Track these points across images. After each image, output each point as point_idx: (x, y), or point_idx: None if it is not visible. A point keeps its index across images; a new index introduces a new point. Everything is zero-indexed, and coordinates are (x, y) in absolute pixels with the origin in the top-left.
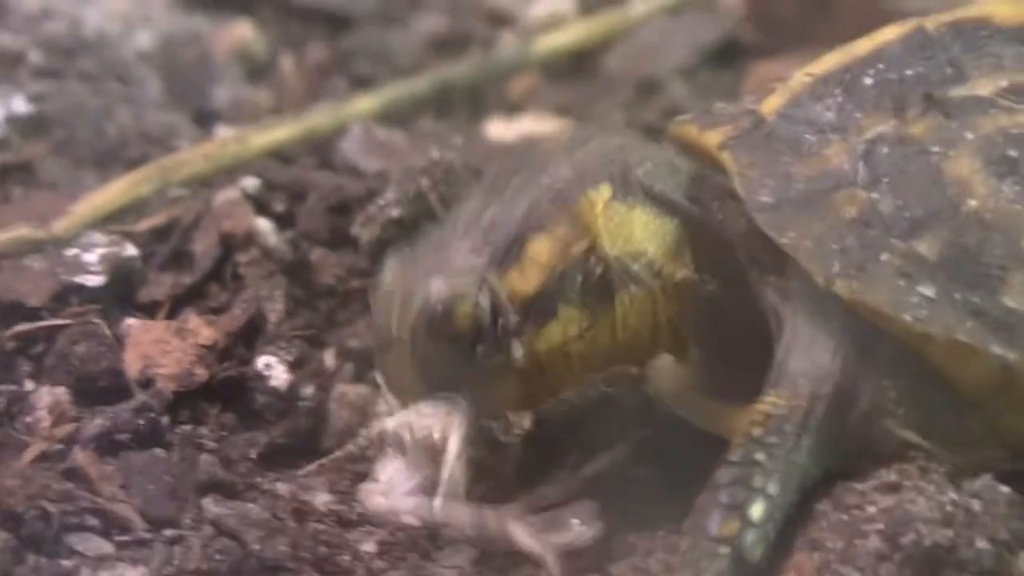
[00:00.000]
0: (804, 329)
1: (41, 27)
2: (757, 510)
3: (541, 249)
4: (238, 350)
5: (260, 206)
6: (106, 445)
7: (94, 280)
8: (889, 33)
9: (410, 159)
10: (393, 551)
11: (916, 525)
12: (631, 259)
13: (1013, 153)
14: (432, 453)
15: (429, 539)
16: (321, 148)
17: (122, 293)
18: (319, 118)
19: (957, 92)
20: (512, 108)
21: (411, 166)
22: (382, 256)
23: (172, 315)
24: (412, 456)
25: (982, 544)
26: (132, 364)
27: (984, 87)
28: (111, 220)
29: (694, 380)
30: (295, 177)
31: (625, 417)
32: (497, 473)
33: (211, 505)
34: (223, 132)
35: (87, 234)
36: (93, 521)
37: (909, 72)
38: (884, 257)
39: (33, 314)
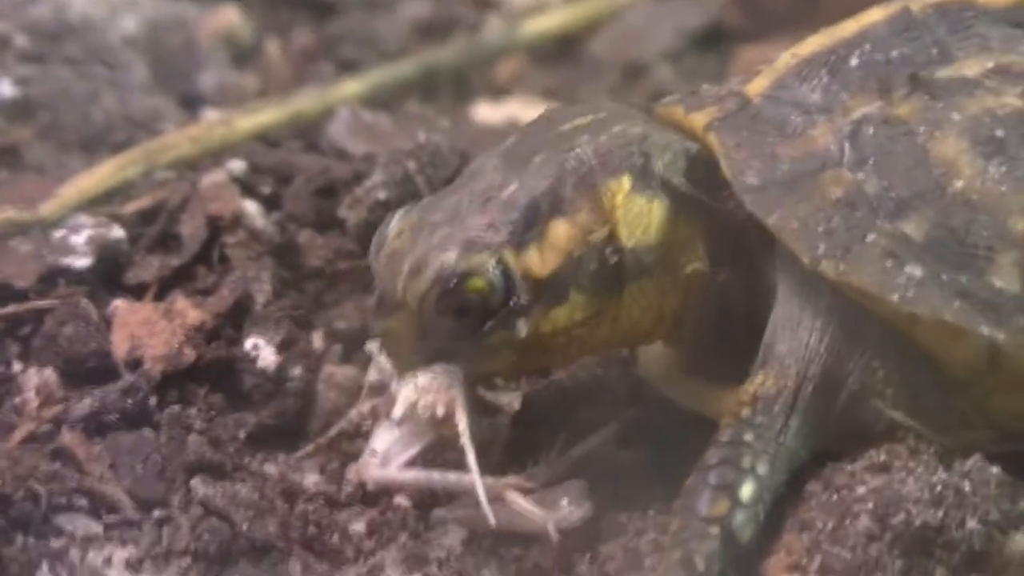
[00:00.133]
0: (791, 310)
1: (26, 11)
2: (747, 490)
3: (561, 233)
4: (226, 331)
5: (247, 189)
6: (94, 426)
7: (81, 262)
8: (875, 14)
9: (397, 142)
10: (383, 531)
11: (906, 505)
12: (646, 251)
13: (999, 134)
14: (433, 423)
15: (419, 519)
16: (307, 131)
17: (109, 275)
18: (305, 101)
19: (943, 73)
20: (498, 92)
21: (398, 149)
22: (369, 238)
23: (159, 297)
24: (412, 426)
25: (972, 524)
26: (120, 345)
27: (970, 68)
28: (98, 203)
29: (683, 362)
30: (282, 160)
31: (614, 398)
32: (487, 453)
33: (199, 486)
34: (209, 116)
35: (74, 216)
36: (81, 502)
37: (895, 53)
38: (870, 238)
39: (20, 296)
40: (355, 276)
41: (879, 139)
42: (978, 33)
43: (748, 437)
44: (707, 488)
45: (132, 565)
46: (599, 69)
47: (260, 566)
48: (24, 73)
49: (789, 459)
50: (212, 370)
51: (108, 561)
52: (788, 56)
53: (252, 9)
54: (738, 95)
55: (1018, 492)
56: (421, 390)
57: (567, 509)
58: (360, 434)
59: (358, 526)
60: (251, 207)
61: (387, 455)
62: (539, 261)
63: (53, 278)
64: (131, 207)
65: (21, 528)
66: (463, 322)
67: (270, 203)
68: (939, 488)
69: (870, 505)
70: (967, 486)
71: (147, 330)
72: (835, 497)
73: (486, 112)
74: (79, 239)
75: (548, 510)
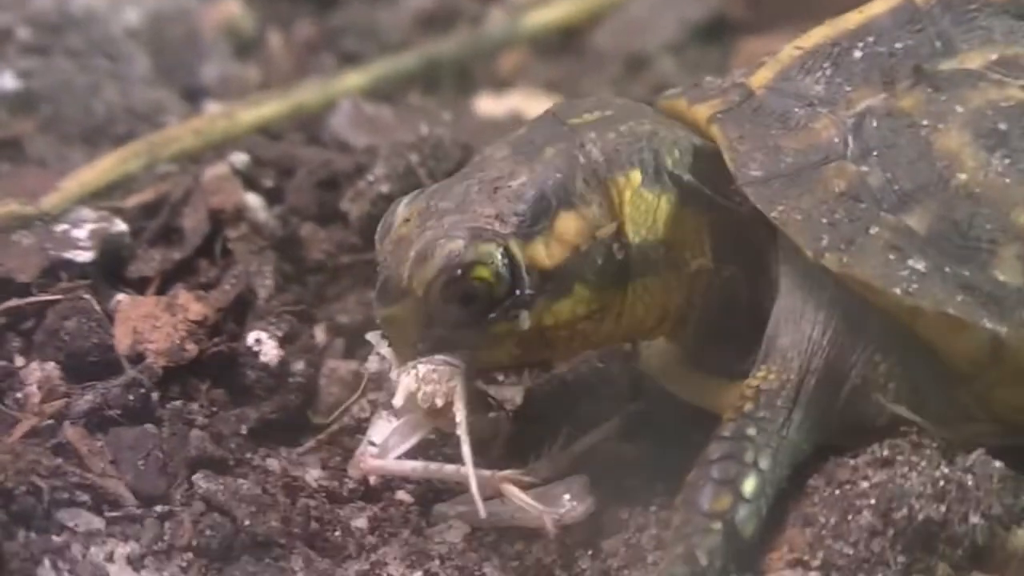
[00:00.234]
0: (794, 303)
1: (29, 3)
2: (749, 485)
3: (569, 226)
4: (228, 326)
5: (249, 182)
6: (96, 421)
7: (83, 256)
8: (878, 6)
9: (399, 134)
10: (385, 527)
11: (908, 500)
12: (652, 247)
13: (1003, 126)
14: (432, 415)
15: (421, 515)
16: (310, 124)
17: (111, 269)
18: (307, 94)
19: (947, 65)
20: (501, 84)
21: (400, 141)
22: (372, 231)
23: (162, 291)
24: (411, 418)
25: (975, 519)
26: (122, 340)
27: (974, 60)
28: (100, 196)
29: (685, 356)
30: (284, 153)
31: (616, 393)
32: (489, 447)
33: (202, 481)
34: (211, 108)
35: (76, 210)
36: (83, 497)
37: (898, 45)
38: (873, 231)
39: (22, 290)
40: (358, 270)
41: (882, 131)
42: (982, 25)
43: (751, 431)
44: (709, 483)
45: (134, 561)
46: (602, 61)
47: (262, 561)
48: (26, 65)
49: (792, 453)
50: (214, 365)
51: (110, 557)
52: (791, 48)
53: (254, 1)
54: (741, 87)
55: (1021, 486)
56: (421, 380)
57: (569, 504)
58: (362, 429)
59: (360, 522)
60: (253, 200)
61: (385, 446)
62: (545, 253)
63: (55, 272)
64: (133, 200)
65: (23, 523)
66: (467, 311)
67: (272, 196)
68: (942, 483)
69: (873, 500)
70: (970, 481)
71: (149, 324)
72: (838, 492)
73: (488, 104)
74: (81, 233)
75: (550, 505)
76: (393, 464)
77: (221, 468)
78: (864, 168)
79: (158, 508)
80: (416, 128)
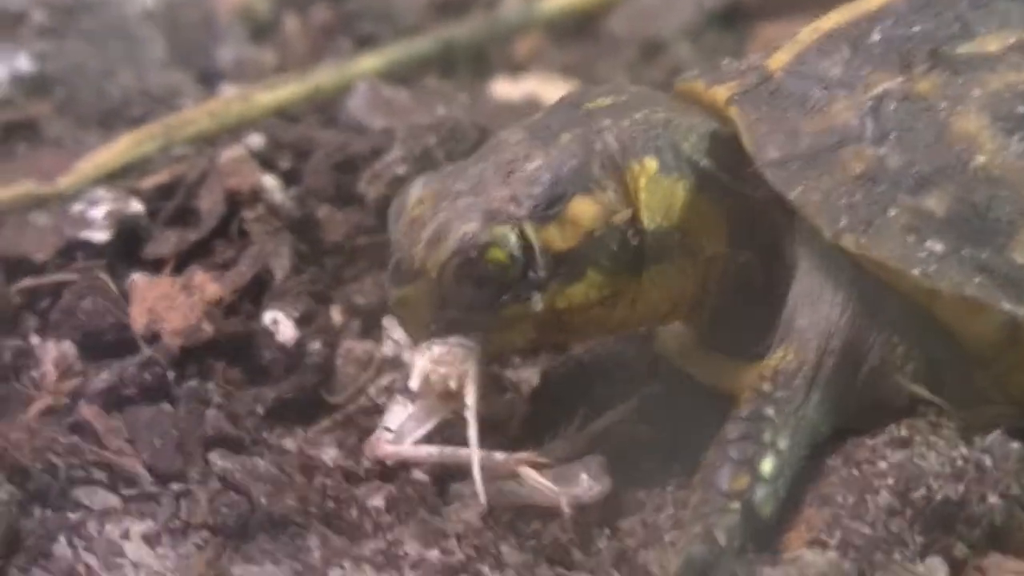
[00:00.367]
0: (812, 284)
1: None
2: (767, 465)
3: (585, 211)
4: (244, 306)
5: (266, 163)
6: (112, 399)
7: (99, 236)
8: None
9: (415, 117)
10: (401, 506)
11: (927, 480)
12: (668, 234)
13: (1021, 109)
14: (447, 399)
15: (437, 494)
16: (326, 106)
17: (127, 249)
18: (324, 77)
19: (964, 49)
20: (517, 68)
21: (416, 124)
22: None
23: (178, 271)
24: (426, 403)
25: (993, 499)
26: (138, 319)
27: (991, 44)
28: (116, 177)
29: (702, 338)
30: (301, 135)
31: (633, 374)
32: (506, 428)
33: (218, 460)
34: (227, 91)
35: (92, 191)
36: (100, 475)
37: (916, 28)
38: (892, 213)
39: (39, 269)
40: (374, 251)
41: (900, 114)
42: (999, 9)
43: (769, 411)
44: (728, 462)
45: (150, 538)
46: (617, 46)
47: (278, 540)
48: (42, 48)
49: (810, 434)
50: (230, 344)
51: (126, 534)
52: (810, 31)
53: None
54: (759, 69)
55: None
56: (435, 362)
57: (586, 484)
58: (377, 410)
59: (376, 501)
60: (270, 182)
61: (400, 432)
62: (559, 237)
63: (71, 252)
64: (149, 182)
65: (39, 501)
66: (481, 293)
67: (289, 178)
68: (960, 463)
69: (891, 480)
70: (988, 461)
71: (165, 304)
72: (856, 472)
73: (504, 88)
74: (97, 213)
75: (567, 485)
76: (408, 450)
77: (237, 447)
78: (882, 150)
79: (174, 486)
80: (433, 111)
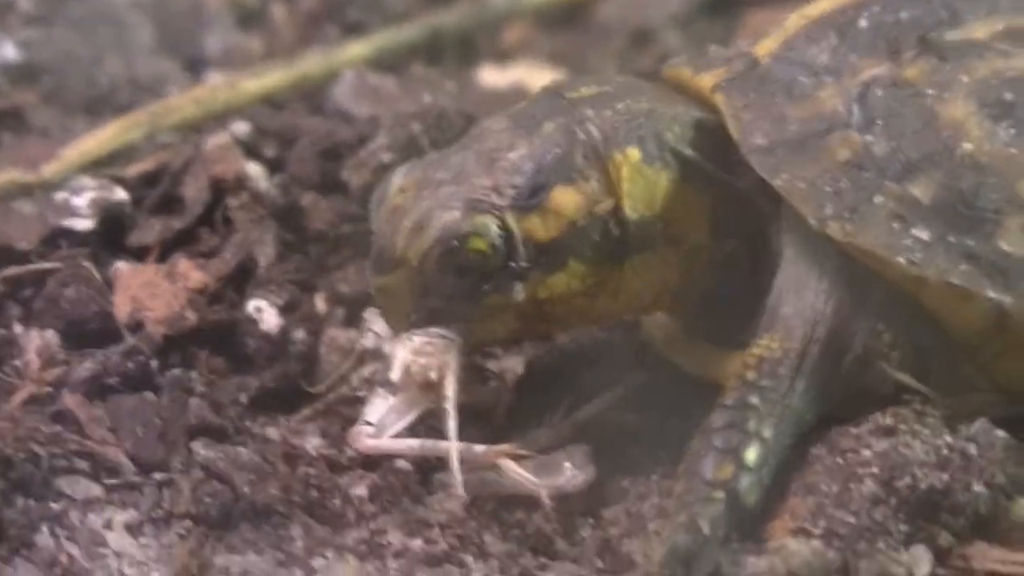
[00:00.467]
0: (798, 272)
1: None
2: (752, 454)
3: (567, 200)
4: (228, 294)
5: (251, 151)
6: (95, 388)
7: (83, 224)
8: None
9: (401, 105)
10: (384, 495)
11: (911, 469)
12: (650, 223)
13: (1008, 96)
14: (427, 391)
15: (421, 484)
16: (312, 94)
17: (111, 237)
18: (310, 64)
19: (952, 35)
20: (504, 56)
21: (402, 111)
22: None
23: (162, 259)
24: (407, 395)
25: (978, 488)
26: (121, 308)
27: (980, 30)
28: (101, 165)
29: (686, 326)
30: (286, 122)
31: (619, 362)
32: (490, 417)
33: (201, 449)
34: (214, 78)
35: (76, 178)
36: (82, 464)
37: (904, 15)
38: (878, 200)
39: (22, 258)
40: (358, 239)
41: (887, 101)
42: None
43: (753, 400)
44: (712, 451)
45: (132, 528)
46: (606, 34)
47: (261, 530)
48: (29, 36)
49: (795, 422)
50: (214, 333)
51: (108, 524)
52: (797, 17)
53: None
54: (746, 56)
55: None
56: (415, 353)
57: (570, 473)
58: (359, 399)
59: (360, 490)
60: (254, 169)
61: (381, 425)
62: (541, 227)
63: (55, 240)
64: (134, 169)
65: (22, 490)
66: (462, 282)
67: (274, 166)
68: (945, 452)
69: (875, 469)
70: (973, 450)
71: (149, 292)
72: (840, 461)
73: (492, 76)
74: (81, 201)
75: (551, 474)
76: (388, 443)
77: (220, 436)
78: (869, 137)
79: (157, 475)
80: (419, 99)
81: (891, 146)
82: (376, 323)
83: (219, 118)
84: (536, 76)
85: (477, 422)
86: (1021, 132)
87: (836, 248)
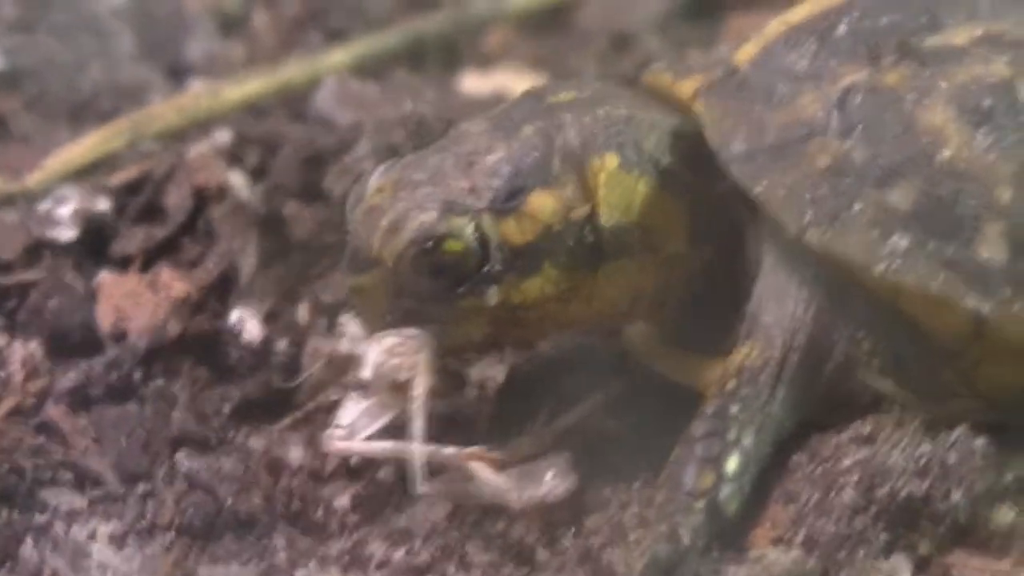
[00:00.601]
0: (777, 280)
1: None
2: (732, 463)
3: (543, 205)
4: (211, 304)
5: (233, 159)
6: (79, 399)
7: (66, 234)
8: None
9: (384, 112)
10: (367, 505)
11: (891, 477)
12: (626, 231)
13: (988, 102)
14: (397, 391)
15: (403, 493)
16: (295, 101)
17: (95, 247)
18: (293, 71)
19: (932, 41)
20: (486, 61)
21: (384, 119)
22: None
23: (145, 269)
24: (380, 398)
25: (957, 496)
26: (105, 318)
27: (959, 36)
28: (84, 174)
29: (666, 334)
30: (268, 130)
31: (600, 370)
32: (471, 426)
33: (184, 460)
34: (196, 86)
35: (59, 188)
36: (66, 475)
37: (884, 20)
38: (857, 207)
39: (5, 268)
40: (341, 248)
41: (867, 107)
42: (967, 2)
43: (734, 409)
44: (693, 461)
45: (116, 539)
46: (587, 39)
47: (244, 540)
48: (11, 43)
49: (775, 430)
50: (197, 343)
51: (92, 535)
52: (777, 24)
53: None
54: (726, 63)
55: (1004, 463)
56: (388, 352)
57: (551, 482)
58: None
59: (342, 500)
60: (237, 178)
61: (353, 427)
62: (517, 230)
63: (38, 250)
64: (117, 178)
65: (5, 502)
66: (437, 283)
67: (256, 174)
68: (924, 460)
69: (855, 477)
70: (952, 458)
71: (132, 302)
72: (820, 469)
73: (474, 82)
74: (64, 211)
75: (532, 483)
76: (358, 445)
77: (203, 447)
78: (848, 144)
79: (140, 487)
80: (401, 105)
81: (870, 152)
82: (351, 325)
83: (201, 126)
84: (518, 81)
85: (458, 431)
86: (1000, 138)
87: (815, 255)
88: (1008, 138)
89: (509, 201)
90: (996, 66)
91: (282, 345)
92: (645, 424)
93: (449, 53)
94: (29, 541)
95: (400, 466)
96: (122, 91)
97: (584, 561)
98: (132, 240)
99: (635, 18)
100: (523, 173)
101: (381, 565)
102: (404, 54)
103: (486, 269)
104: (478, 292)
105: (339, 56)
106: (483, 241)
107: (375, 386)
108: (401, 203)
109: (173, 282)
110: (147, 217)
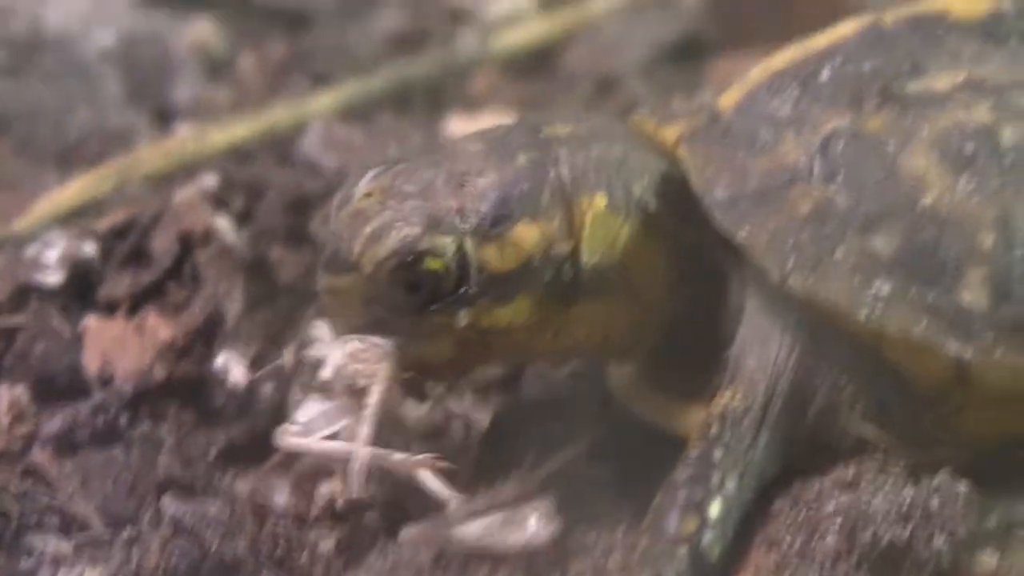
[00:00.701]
0: (760, 325)
1: (2, 25)
2: (715, 509)
3: (528, 236)
4: (197, 348)
5: (219, 203)
6: (65, 444)
7: (53, 279)
8: (846, 28)
9: (369, 155)
10: (352, 549)
11: (874, 523)
12: (605, 272)
13: (970, 148)
14: (353, 395)
15: (388, 537)
16: (281, 145)
17: (81, 291)
18: (279, 115)
19: (914, 86)
20: (472, 104)
21: (370, 163)
22: None
23: (131, 313)
24: (342, 402)
25: (939, 542)
26: (91, 362)
27: (941, 82)
28: (71, 218)
29: (650, 378)
30: (254, 174)
31: (585, 414)
32: (456, 471)
33: (170, 504)
34: (183, 130)
35: (46, 232)
36: (52, 520)
37: (866, 66)
38: (839, 252)
39: None
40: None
41: (849, 153)
42: (949, 47)
43: (717, 454)
44: (676, 506)
45: None
46: (573, 82)
47: None
48: None
49: (758, 475)
50: (183, 387)
51: None
52: (760, 70)
53: (226, 22)
54: (709, 109)
55: (986, 509)
56: (350, 356)
57: (535, 527)
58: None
59: (328, 544)
60: (223, 223)
61: (308, 426)
62: (498, 257)
63: (25, 295)
64: (104, 223)
65: None
66: (410, 298)
67: (242, 218)
68: (907, 505)
69: (838, 522)
70: (935, 503)
71: (118, 347)
72: (803, 514)
73: (460, 125)
74: (51, 255)
75: (516, 528)
76: (306, 442)
77: (189, 491)
78: (830, 189)
79: (126, 531)
80: (386, 149)
81: (852, 198)
82: (320, 328)
83: (188, 170)
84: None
85: (443, 474)
86: (982, 184)
87: (798, 301)
88: (990, 183)
89: (495, 227)
90: (978, 112)
91: (267, 389)
92: (629, 469)
93: (435, 96)
94: None
95: (386, 511)
96: (109, 135)
97: None
98: (118, 285)
99: (620, 62)
100: (512, 202)
101: None
102: (390, 98)
103: (462, 291)
104: (450, 312)
105: (325, 100)
106: (463, 263)
107: (334, 388)
108: (388, 212)
109: (159, 326)
110: (133, 261)
